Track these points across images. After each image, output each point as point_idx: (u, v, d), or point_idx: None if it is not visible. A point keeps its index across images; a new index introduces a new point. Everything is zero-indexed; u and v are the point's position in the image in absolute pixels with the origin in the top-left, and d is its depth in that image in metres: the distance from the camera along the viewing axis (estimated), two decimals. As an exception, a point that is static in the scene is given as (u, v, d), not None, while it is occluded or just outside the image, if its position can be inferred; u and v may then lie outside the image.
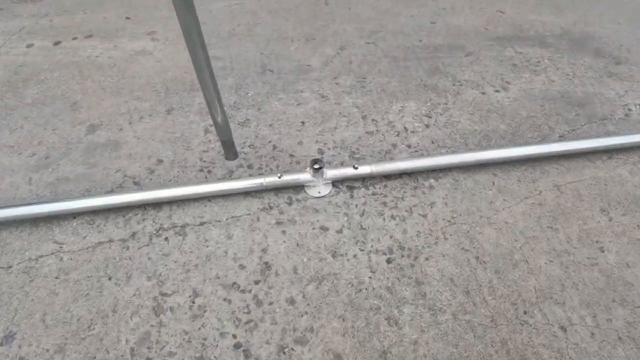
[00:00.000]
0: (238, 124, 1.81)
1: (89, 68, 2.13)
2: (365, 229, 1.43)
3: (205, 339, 1.19)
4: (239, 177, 1.58)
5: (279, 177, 1.49)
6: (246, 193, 1.53)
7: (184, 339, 1.19)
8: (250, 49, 2.25)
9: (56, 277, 1.33)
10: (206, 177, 1.59)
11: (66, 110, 1.91)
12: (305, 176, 1.51)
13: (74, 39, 2.33)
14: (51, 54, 2.24)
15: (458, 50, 2.24)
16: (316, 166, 1.47)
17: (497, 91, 1.99)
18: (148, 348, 1.17)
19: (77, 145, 1.74)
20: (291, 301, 1.26)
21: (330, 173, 1.51)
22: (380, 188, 1.55)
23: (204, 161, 1.66)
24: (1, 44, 2.31)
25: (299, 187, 1.55)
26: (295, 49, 2.24)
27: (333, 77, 2.06)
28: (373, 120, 1.83)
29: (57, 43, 2.31)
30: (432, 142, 1.72)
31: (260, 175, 1.58)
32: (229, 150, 1.61)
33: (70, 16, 2.54)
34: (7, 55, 2.24)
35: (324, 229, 1.43)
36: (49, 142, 1.76)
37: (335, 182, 1.56)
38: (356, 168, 1.51)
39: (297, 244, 1.39)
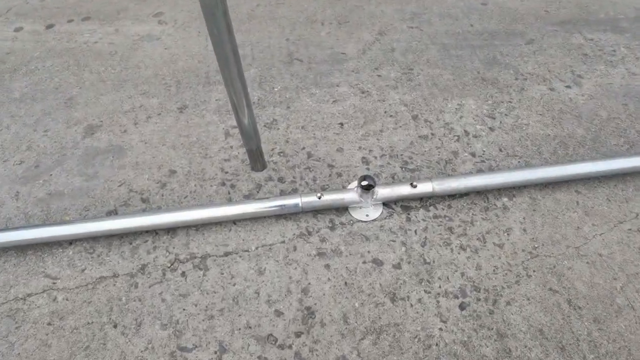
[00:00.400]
0: (264, 125, 1.56)
1: (86, 56, 1.88)
2: (429, 263, 1.18)
3: (237, 413, 0.95)
4: (268, 194, 1.34)
5: (319, 198, 1.24)
6: (278, 216, 1.28)
7: (210, 413, 0.95)
8: (274, 33, 1.98)
9: (49, 324, 1.11)
10: (229, 193, 1.35)
11: (60, 107, 1.67)
12: (351, 196, 1.26)
13: (69, 21, 2.08)
14: (43, 39, 1.99)
15: (517, 37, 1.97)
16: (364, 183, 1.22)
17: (568, 87, 1.73)
18: None
19: (72, 152, 1.50)
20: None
21: (383, 192, 1.27)
22: (443, 209, 1.30)
23: (226, 172, 1.41)
24: (-14, 27, 2.06)
25: (342, 209, 1.30)
26: (327, 34, 1.98)
27: (373, 67, 1.81)
28: (426, 121, 1.57)
29: (49, 26, 2.06)
30: (500, 150, 1.47)
31: (294, 191, 1.34)
32: (256, 160, 1.36)
33: (65, -5, 2.29)
34: (-7, 40, 1.99)
35: (377, 262, 1.19)
36: (40, 147, 1.52)
37: (387, 202, 1.31)
38: (415, 186, 1.27)
39: (346, 283, 1.15)
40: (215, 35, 0.97)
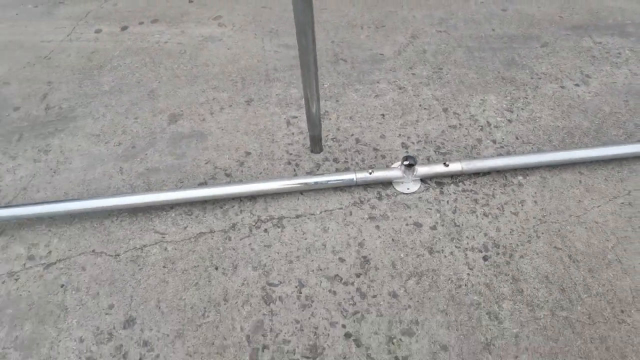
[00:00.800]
0: (319, 116, 1.93)
1: (159, 54, 2.27)
2: (459, 226, 1.55)
3: (316, 328, 1.33)
4: (327, 171, 1.71)
5: (370, 174, 1.61)
6: (336, 188, 1.65)
7: (296, 328, 1.33)
8: (320, 36, 2.35)
9: (164, 266, 1.49)
10: (294, 171, 1.73)
11: (144, 98, 2.05)
12: (395, 173, 1.63)
13: (140, 23, 2.46)
14: (120, 39, 2.37)
15: (533, 41, 2.32)
16: (407, 163, 1.59)
17: (577, 85, 2.07)
18: (263, 335, 1.32)
19: (161, 135, 1.89)
20: (394, 295, 1.40)
21: (421, 170, 1.63)
22: (470, 185, 1.66)
23: (291, 154, 1.79)
24: (70, 29, 2.45)
25: (387, 183, 1.67)
26: (366, 37, 2.34)
27: (408, 67, 2.17)
28: (455, 113, 1.93)
29: (124, 28, 2.44)
30: (517, 138, 1.83)
31: (347, 169, 1.70)
32: (316, 144, 1.74)
33: (134, 0, 2.66)
34: (78, 41, 2.38)
35: (417, 225, 1.56)
36: (133, 132, 1.91)
37: (424, 179, 1.68)
38: (447, 165, 1.63)
39: (392, 239, 1.52)
40: (303, 44, 1.35)
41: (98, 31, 2.44)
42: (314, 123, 1.64)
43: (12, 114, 2.02)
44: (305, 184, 1.62)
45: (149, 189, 1.71)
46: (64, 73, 2.21)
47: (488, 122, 1.90)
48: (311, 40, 1.33)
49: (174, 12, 2.54)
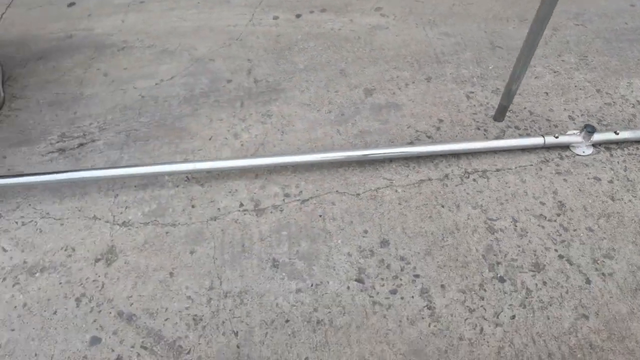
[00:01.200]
0: (491, 92, 2.37)
1: (337, 39, 2.72)
2: (631, 180, 1.97)
3: (534, 251, 1.77)
4: (511, 136, 2.14)
5: (556, 137, 2.04)
6: (522, 149, 2.09)
7: (519, 250, 1.78)
8: (472, 27, 2.78)
9: (399, 204, 1.95)
10: (484, 135, 2.17)
11: (337, 75, 2.51)
12: (575, 138, 2.06)
13: (311, 12, 2.92)
14: (297, 25, 2.84)
15: (662, 33, 2.71)
16: (588, 129, 2.02)
17: None
18: (494, 255, 1.77)
19: (362, 106, 2.34)
20: (590, 229, 1.83)
21: (596, 136, 2.06)
22: (634, 150, 2.08)
23: (477, 122, 2.23)
24: (250, 16, 2.92)
25: (564, 147, 2.10)
26: (513, 28, 2.77)
27: (557, 54, 2.58)
28: (607, 93, 2.35)
29: (298, 16, 2.91)
30: (666, 115, 2.24)
31: (528, 135, 2.13)
32: (502, 113, 2.17)
33: (299, -9, 3.13)
34: (260, 25, 2.85)
35: (596, 179, 1.99)
36: (337, 102, 2.37)
37: (596, 144, 2.10)
38: (617, 134, 2.05)
39: (579, 189, 1.95)
40: (535, 30, 1.78)
41: (275, 18, 2.91)
42: (509, 95, 2.07)
43: (227, 85, 2.50)
44: (503, 145, 2.06)
45: (366, 146, 2.16)
46: (259, 52, 2.68)
47: (638, 100, 2.31)
48: (542, 29, 1.76)
49: (338, 2, 2.99)
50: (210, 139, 2.21)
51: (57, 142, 2.28)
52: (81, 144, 2.26)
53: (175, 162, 2.08)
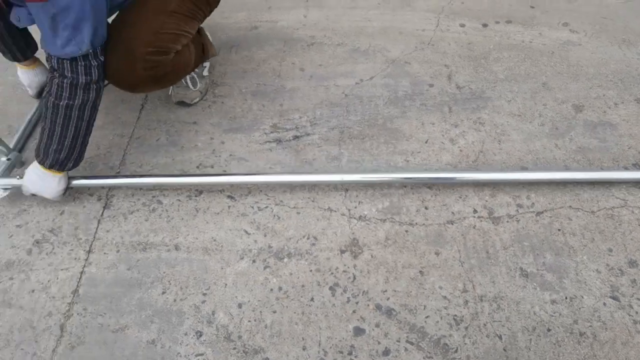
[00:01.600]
0: None
1: (530, 52, 2.76)
2: None
3: None
4: None
5: None
6: None
7: None
8: None
9: (639, 225, 1.98)
10: None
11: (540, 88, 2.55)
12: None
13: (497, 22, 2.97)
14: (487, 35, 2.89)
15: None
16: None
17: None
18: None
19: (575, 121, 2.38)
20: None
21: None
22: None
23: None
24: (435, 21, 2.99)
25: None
26: None
27: None
28: None
29: (484, 25, 2.96)
30: None
31: None
32: None
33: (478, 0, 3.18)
34: (449, 32, 2.92)
35: None
36: (548, 115, 2.41)
37: None
38: None
39: None
40: None
41: (462, 25, 2.97)
42: None
43: (430, 90, 2.58)
44: None
45: (589, 164, 2.20)
46: (454, 59, 2.74)
47: None
48: None
49: (521, 15, 3.03)
50: (426, 142, 2.29)
51: (271, 132, 2.40)
52: (296, 137, 2.37)
53: (410, 170, 2.18)
